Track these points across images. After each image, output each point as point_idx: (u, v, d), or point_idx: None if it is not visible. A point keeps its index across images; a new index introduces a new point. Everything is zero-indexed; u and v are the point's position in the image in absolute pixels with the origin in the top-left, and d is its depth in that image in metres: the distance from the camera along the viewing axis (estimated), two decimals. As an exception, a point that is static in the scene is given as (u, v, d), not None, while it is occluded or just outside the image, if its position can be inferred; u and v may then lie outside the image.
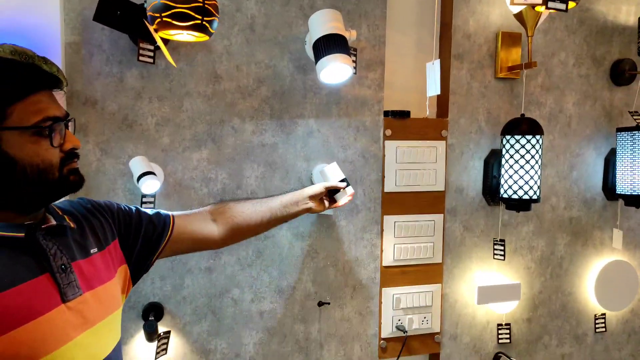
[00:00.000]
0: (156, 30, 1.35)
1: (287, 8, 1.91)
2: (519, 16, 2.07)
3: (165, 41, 1.75)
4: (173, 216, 1.44)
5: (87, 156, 1.73)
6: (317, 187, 1.73)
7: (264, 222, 1.62)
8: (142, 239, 1.33)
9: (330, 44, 1.63)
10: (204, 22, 1.33)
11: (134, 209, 1.37)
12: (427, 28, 2.23)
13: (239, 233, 1.59)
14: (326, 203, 1.79)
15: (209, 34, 1.38)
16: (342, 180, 1.76)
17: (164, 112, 1.80)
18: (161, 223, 1.39)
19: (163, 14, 1.29)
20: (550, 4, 1.58)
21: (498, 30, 2.20)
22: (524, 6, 1.96)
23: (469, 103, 2.20)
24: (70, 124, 1.14)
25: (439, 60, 1.88)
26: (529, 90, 2.27)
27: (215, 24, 1.37)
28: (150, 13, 1.32)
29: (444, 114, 2.20)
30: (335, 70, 1.67)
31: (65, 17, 1.66)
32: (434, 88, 1.88)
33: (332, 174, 1.81)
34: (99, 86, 1.72)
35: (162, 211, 1.44)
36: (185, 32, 1.36)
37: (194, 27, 1.32)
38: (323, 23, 1.67)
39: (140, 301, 1.83)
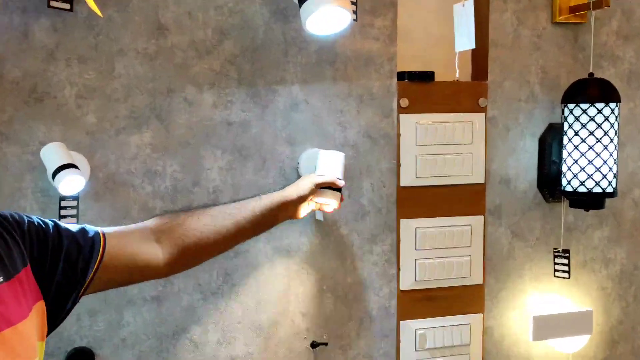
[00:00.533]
0: None
1: None
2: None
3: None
4: (104, 234, 1.46)
5: (-19, 143, 1.76)
6: (305, 186, 1.78)
7: (227, 241, 1.67)
8: (64, 266, 1.35)
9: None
10: None
11: (50, 224, 1.38)
12: (455, -45, 2.28)
13: (192, 257, 1.64)
14: (313, 204, 1.84)
15: None
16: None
17: (87, 80, 1.83)
18: (88, 243, 1.41)
19: None
20: None
21: (556, -43, 2.26)
22: None
23: (517, 59, 2.25)
24: None
25: (471, 0, 1.92)
26: (599, 40, 2.33)
27: None
28: None
29: (481, 75, 2.25)
30: (327, 17, 1.71)
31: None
32: (466, 40, 1.92)
33: (327, 163, 1.85)
34: (-6, 44, 1.75)
35: (89, 227, 1.46)
36: None
37: None
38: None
39: (62, 346, 1.86)
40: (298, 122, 2.03)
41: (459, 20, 1.95)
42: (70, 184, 1.67)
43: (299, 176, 2.03)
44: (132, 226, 1.60)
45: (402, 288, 2.18)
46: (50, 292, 1.33)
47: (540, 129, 2.30)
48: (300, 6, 1.71)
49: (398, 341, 2.19)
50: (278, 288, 2.05)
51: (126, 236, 1.53)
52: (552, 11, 2.27)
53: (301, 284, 2.08)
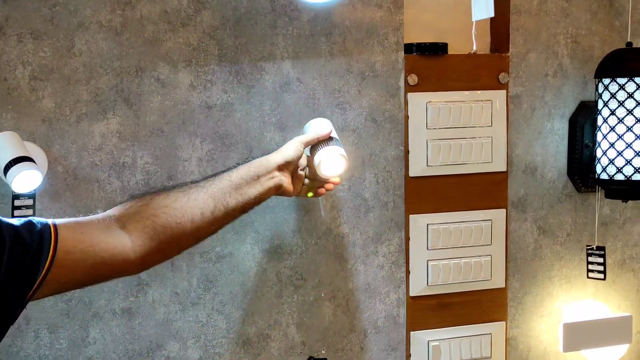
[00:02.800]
0: None
1: None
2: None
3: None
4: (55, 225, 1.41)
5: None
6: (290, 148, 1.74)
7: (205, 219, 1.59)
8: (7, 267, 1.32)
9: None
10: None
11: None
12: None
13: (167, 242, 1.56)
14: (305, 180, 1.81)
15: None
16: (330, 140, 1.81)
17: (43, 58, 1.79)
18: (36, 239, 1.36)
19: None
20: None
21: None
22: None
23: (543, 27, 2.20)
24: None
25: None
26: (639, 4, 2.28)
27: None
28: None
29: (502, 46, 2.20)
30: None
31: None
32: (484, 7, 1.86)
33: (315, 126, 1.84)
34: None
35: (37, 219, 1.42)
36: None
37: None
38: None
39: (17, 367, 1.83)
40: (289, 104, 1.99)
41: None
42: (25, 180, 1.63)
43: (291, 167, 2.00)
44: (91, 216, 1.52)
45: (412, 294, 2.15)
46: None
47: (570, 109, 2.26)
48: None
49: (408, 355, 2.16)
50: (268, 296, 2.02)
51: (83, 226, 1.45)
52: (584, -29, 2.23)
53: (295, 291, 2.04)
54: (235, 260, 1.98)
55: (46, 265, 1.35)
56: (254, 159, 1.81)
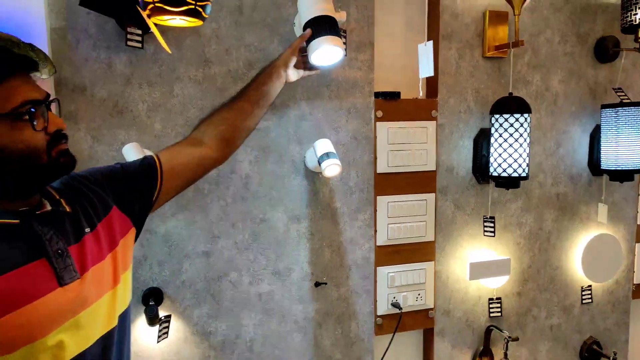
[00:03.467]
0: (149, 16, 1.29)
1: (275, -10, 1.85)
2: (506, -5, 2.03)
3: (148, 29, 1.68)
4: (157, 155, 1.36)
5: (79, 143, 1.66)
6: (284, 51, 1.61)
7: (250, 114, 1.52)
8: (138, 191, 1.27)
9: (320, 26, 1.57)
10: (197, 7, 1.27)
11: (117, 166, 1.30)
12: (414, 7, 2.17)
13: (233, 139, 1.50)
14: (302, 72, 1.69)
15: (203, 18, 1.32)
16: (329, 154, 1.77)
17: (154, 98, 1.74)
18: (147, 169, 1.32)
19: (156, 0, 1.24)
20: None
21: (485, 9, 2.16)
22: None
23: (458, 83, 2.16)
24: (53, 105, 1.09)
25: (431, 41, 1.82)
26: (516, 68, 2.24)
27: (208, 9, 1.31)
28: None
29: (433, 94, 2.16)
30: (326, 53, 1.62)
31: (49, 1, 1.58)
32: (427, 69, 1.83)
33: (320, 147, 1.80)
34: (87, 72, 1.65)
35: (147, 155, 1.38)
36: (178, 17, 1.30)
37: (188, 12, 1.27)
38: (312, 4, 1.60)
39: (139, 287, 1.78)
40: (305, 128, 1.94)
41: (421, 56, 1.85)
42: (143, 173, 1.59)
43: (306, 167, 1.96)
44: (177, 142, 1.47)
45: (378, 244, 2.11)
46: (135, 215, 1.27)
47: (474, 132, 2.21)
48: (306, 46, 1.62)
49: (375, 281, 2.12)
50: (292, 245, 1.98)
51: (175, 149, 1.41)
52: (483, 49, 2.18)
53: (307, 242, 2.00)
54: (271, 222, 1.94)
55: (158, 182, 1.30)
56: (282, 159, 1.77)
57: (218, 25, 1.78)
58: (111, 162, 1.68)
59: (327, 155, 1.79)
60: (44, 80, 1.51)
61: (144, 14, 1.27)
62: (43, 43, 1.53)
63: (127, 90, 1.70)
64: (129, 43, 1.60)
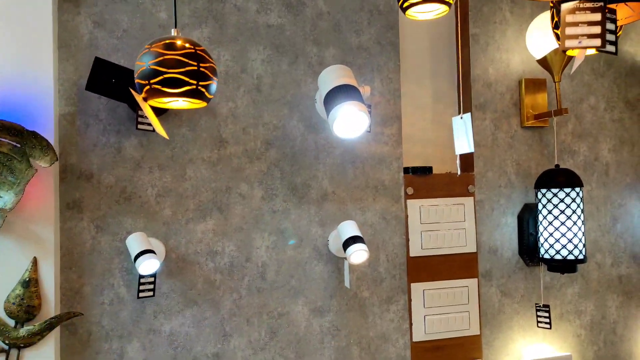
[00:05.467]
0: (145, 99, 1.12)
1: (294, 66, 1.70)
2: (543, 61, 1.81)
3: (163, 110, 1.54)
4: None
5: (81, 234, 1.48)
6: None
7: None
8: None
9: (342, 94, 1.38)
10: (199, 87, 1.10)
11: None
12: (443, 78, 1.98)
13: None
14: None
15: (206, 99, 1.15)
16: (356, 238, 1.50)
17: (165, 182, 1.56)
18: None
19: (152, 81, 1.07)
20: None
21: (520, 78, 1.94)
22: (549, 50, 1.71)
23: (496, 155, 1.91)
24: None
25: (469, 113, 1.58)
26: (559, 138, 1.97)
27: (213, 88, 1.14)
28: (138, 80, 1.10)
29: (468, 168, 1.90)
30: (349, 121, 1.40)
31: (60, 87, 1.47)
32: (465, 145, 1.56)
33: (344, 231, 1.55)
34: (95, 158, 1.50)
35: None
36: (179, 99, 1.13)
37: (189, 94, 1.09)
38: (334, 78, 1.43)
39: None
40: (327, 208, 1.71)
41: (457, 130, 1.59)
42: (148, 267, 1.37)
43: (328, 251, 1.70)
44: None
45: (414, 340, 1.77)
46: None
47: (517, 208, 1.91)
48: (327, 116, 1.42)
49: (413, 384, 1.76)
50: (314, 342, 1.67)
51: None
52: (521, 118, 1.93)
53: (333, 339, 1.69)
54: (291, 317, 1.66)
55: None
56: (302, 243, 1.52)
57: (235, 104, 1.63)
58: (114, 253, 1.48)
59: (352, 239, 1.53)
60: (47, 168, 1.36)
61: (139, 97, 1.10)
62: (49, 130, 1.40)
63: (136, 175, 1.53)
64: (140, 127, 1.45)
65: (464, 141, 1.55)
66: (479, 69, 1.90)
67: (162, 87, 1.05)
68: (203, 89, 1.10)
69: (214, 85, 1.13)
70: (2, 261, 1.36)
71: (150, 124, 1.48)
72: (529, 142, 1.94)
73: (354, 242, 1.53)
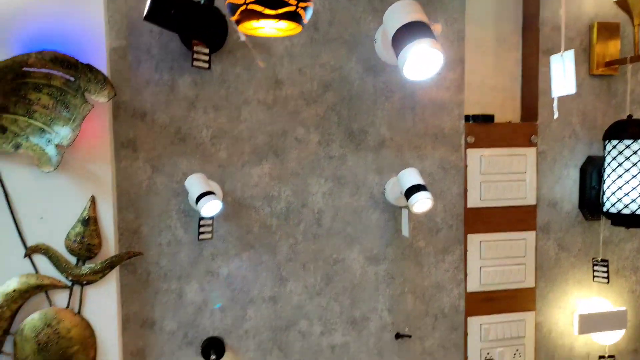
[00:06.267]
0: (238, 22, 1.00)
1: (354, 2, 1.54)
2: (622, 3, 1.62)
3: (219, 46, 1.42)
4: None
5: (137, 174, 1.41)
6: None
7: None
8: None
9: (414, 31, 1.24)
10: (298, 10, 0.97)
11: None
12: (506, 21, 1.80)
13: None
14: None
15: (302, 24, 1.02)
16: (419, 187, 1.40)
17: (220, 123, 1.46)
18: None
19: (249, 1, 0.95)
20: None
21: (592, 22, 1.75)
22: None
23: (561, 104, 1.74)
24: None
25: (572, 50, 1.37)
26: (630, 88, 1.80)
27: (309, 12, 1.01)
28: (231, 1, 0.98)
29: (531, 117, 1.76)
30: (422, 60, 1.27)
31: (110, 19, 1.35)
32: (564, 86, 1.36)
33: (406, 178, 1.44)
34: (148, 96, 1.40)
35: None
36: (274, 22, 1.01)
37: (287, 16, 0.97)
38: (405, 14, 1.28)
39: (197, 336, 1.48)
40: (385, 156, 1.60)
41: (555, 69, 1.38)
42: (211, 208, 1.31)
43: (385, 199, 1.61)
44: None
45: (468, 290, 1.69)
46: None
47: (581, 161, 1.77)
48: (397, 56, 1.28)
49: (465, 334, 1.70)
50: (369, 290, 1.61)
51: None
52: (590, 65, 1.76)
53: (387, 287, 1.63)
54: (346, 264, 1.59)
55: None
56: (359, 191, 1.44)
57: (291, 42, 1.50)
58: (171, 194, 1.42)
59: (416, 188, 1.43)
60: (105, 103, 1.27)
61: (233, 19, 0.98)
62: (102, 64, 1.30)
63: (190, 115, 1.44)
64: (195, 63, 1.34)
65: (562, 81, 1.38)
66: (549, 11, 1.71)
67: (261, 6, 0.93)
68: (302, 12, 0.97)
69: (311, 9, 1.01)
70: (60, 199, 1.29)
71: (206, 61, 1.36)
72: (596, 91, 1.78)
73: (418, 191, 1.43)
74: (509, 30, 1.80)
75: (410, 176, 1.47)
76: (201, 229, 1.40)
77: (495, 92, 1.78)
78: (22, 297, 1.28)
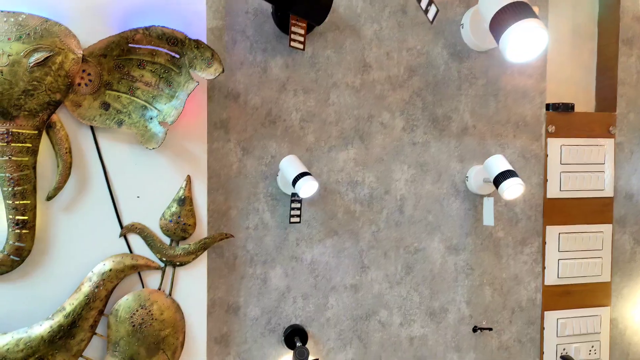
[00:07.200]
0: None
1: (441, -13, 1.63)
2: None
3: (311, 27, 1.49)
4: None
5: (228, 156, 1.48)
6: None
7: None
8: None
9: (520, 11, 1.32)
10: None
11: None
12: (584, 11, 1.89)
13: None
14: None
15: None
16: (510, 172, 1.48)
17: (309, 106, 1.54)
18: None
19: None
20: None
21: (671, 11, 1.85)
22: None
23: (639, 95, 1.84)
24: None
25: None
26: None
27: None
28: None
29: (609, 107, 1.84)
30: (525, 41, 1.34)
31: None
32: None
33: (495, 165, 1.52)
34: (241, 77, 1.48)
35: None
36: None
37: None
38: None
39: (280, 323, 1.54)
40: (467, 143, 1.68)
41: None
42: (309, 188, 1.38)
43: (466, 188, 1.68)
44: None
45: (546, 283, 1.77)
46: None
47: (657, 153, 1.87)
48: (497, 38, 1.36)
49: (542, 328, 1.77)
50: (448, 280, 1.69)
51: None
52: (668, 55, 1.86)
53: (466, 277, 1.70)
54: (427, 252, 1.66)
55: None
56: (441, 178, 1.52)
57: (380, 26, 1.58)
58: (260, 177, 1.49)
59: (506, 174, 1.51)
60: (200, 82, 1.34)
61: None
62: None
63: (281, 97, 1.52)
64: (292, 44, 1.42)
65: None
66: (629, 0, 1.81)
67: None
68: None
69: None
70: (157, 178, 1.36)
71: (301, 42, 1.44)
72: (673, 82, 1.87)
73: (508, 177, 1.50)
74: (586, 19, 1.89)
75: (499, 163, 1.55)
76: (292, 212, 1.47)
77: (570, 83, 1.87)
78: (117, 276, 1.35)
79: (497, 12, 1.37)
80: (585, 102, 1.89)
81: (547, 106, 1.76)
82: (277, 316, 1.54)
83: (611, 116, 1.82)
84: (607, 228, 1.82)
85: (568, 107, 1.77)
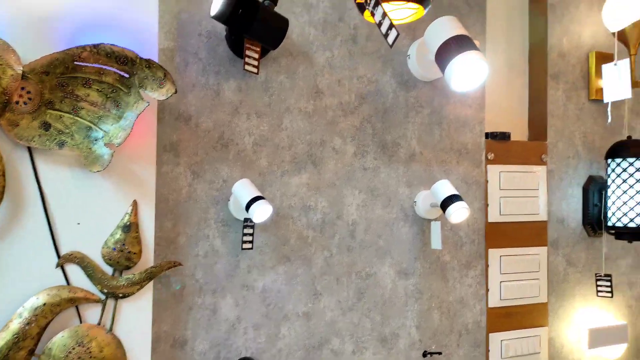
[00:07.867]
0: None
1: (388, 20, 1.77)
2: (619, 35, 2.00)
3: (265, 52, 1.56)
4: None
5: (177, 180, 1.48)
6: None
7: None
8: None
9: (463, 43, 1.48)
10: None
11: None
12: (515, 46, 2.13)
13: None
14: None
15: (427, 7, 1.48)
16: (455, 197, 1.63)
17: (262, 130, 1.59)
18: None
19: None
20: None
21: (590, 51, 2.13)
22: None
23: (566, 126, 2.08)
24: None
25: (626, 59, 1.68)
26: (618, 113, 2.17)
27: None
28: None
29: (540, 136, 2.06)
30: (469, 71, 1.50)
31: (160, 19, 1.45)
32: (619, 90, 1.66)
33: (442, 190, 1.66)
34: (193, 99, 1.50)
35: None
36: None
37: None
38: (451, 28, 1.52)
39: (230, 357, 1.53)
40: (415, 169, 1.81)
41: (609, 77, 1.73)
42: (262, 213, 1.42)
43: (414, 212, 1.79)
44: None
45: (490, 306, 1.91)
46: None
47: (582, 179, 2.11)
48: (443, 69, 1.50)
49: (487, 350, 1.90)
50: (398, 305, 1.77)
51: None
52: (589, 91, 2.13)
53: (416, 302, 1.80)
54: (378, 277, 1.74)
55: None
56: (390, 203, 1.62)
57: (332, 53, 1.68)
58: (210, 202, 1.51)
59: (452, 198, 1.64)
60: (151, 103, 1.35)
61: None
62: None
63: (234, 121, 1.55)
64: (247, 67, 1.47)
65: (618, 88, 1.67)
66: (555, 38, 2.07)
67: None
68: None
69: None
70: (100, 203, 1.33)
71: (255, 66, 1.50)
72: (594, 115, 2.14)
73: (455, 200, 1.63)
74: (517, 56, 2.12)
75: (445, 188, 1.68)
76: (244, 237, 1.49)
77: (505, 113, 2.08)
78: (52, 311, 1.28)
79: (443, 44, 1.53)
80: (520, 131, 2.10)
81: (487, 135, 1.94)
82: (226, 349, 1.53)
83: (543, 145, 2.04)
84: (542, 250, 2.01)
85: (505, 136, 1.96)
